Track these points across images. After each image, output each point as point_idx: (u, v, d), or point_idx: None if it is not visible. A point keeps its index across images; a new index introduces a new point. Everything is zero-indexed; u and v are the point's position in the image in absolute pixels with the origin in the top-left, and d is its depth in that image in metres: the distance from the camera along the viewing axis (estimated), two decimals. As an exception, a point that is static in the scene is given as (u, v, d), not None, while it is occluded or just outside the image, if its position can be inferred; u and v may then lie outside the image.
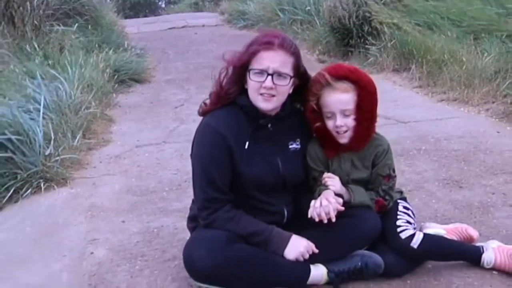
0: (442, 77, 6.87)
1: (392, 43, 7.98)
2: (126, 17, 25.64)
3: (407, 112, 6.06)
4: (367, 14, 8.47)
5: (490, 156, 4.61)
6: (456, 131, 5.27)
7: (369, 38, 8.49)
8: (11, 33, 7.93)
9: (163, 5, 47.42)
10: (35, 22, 8.35)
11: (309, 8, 11.08)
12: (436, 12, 8.11)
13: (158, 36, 13.57)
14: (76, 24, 9.39)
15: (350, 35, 8.83)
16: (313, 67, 8.26)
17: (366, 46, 8.50)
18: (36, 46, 7.78)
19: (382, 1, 8.62)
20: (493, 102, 5.98)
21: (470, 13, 7.72)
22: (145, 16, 39.00)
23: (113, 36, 10.49)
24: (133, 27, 14.87)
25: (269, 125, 2.84)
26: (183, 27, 15.05)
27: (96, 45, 9.19)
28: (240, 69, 2.77)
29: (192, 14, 19.90)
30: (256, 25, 13.41)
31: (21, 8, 8.19)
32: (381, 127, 5.16)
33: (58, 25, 9.00)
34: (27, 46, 7.75)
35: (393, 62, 7.94)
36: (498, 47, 6.69)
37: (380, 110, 5.81)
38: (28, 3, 8.33)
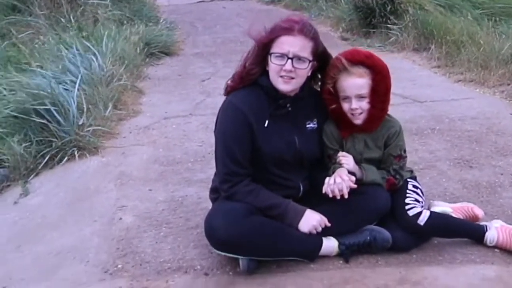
0: (460, 58, 6.84)
1: (413, 23, 8.00)
2: None
3: (424, 91, 6.02)
4: None
5: (501, 137, 4.59)
6: (470, 112, 5.24)
7: (391, 17, 8.48)
8: (47, 5, 7.94)
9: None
10: None
11: None
12: None
13: (187, 9, 13.45)
14: None
15: (372, 14, 8.82)
16: (336, 44, 8.38)
17: (388, 25, 8.48)
18: (71, 18, 7.78)
19: None
20: (509, 85, 5.95)
21: None
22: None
23: (144, 9, 10.48)
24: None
25: (288, 105, 2.89)
26: (212, 0, 14.93)
27: (128, 18, 9.21)
28: (262, 52, 2.81)
29: None
30: (283, 0, 13.36)
31: None
32: (398, 106, 5.25)
33: None
34: (63, 18, 7.74)
35: (414, 42, 7.93)
36: None
37: (398, 89, 5.86)
38: None
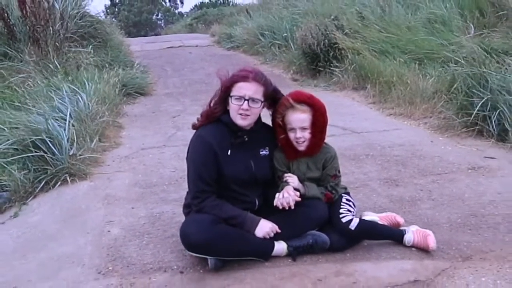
0: (391, 96, 6.95)
1: (352, 66, 8.03)
2: (130, 34, 25.26)
3: (361, 124, 6.15)
4: (332, 42, 8.51)
5: (423, 160, 4.77)
6: (398, 140, 5.39)
7: (334, 61, 8.54)
8: (36, 53, 7.87)
9: (162, 24, 47.16)
10: (56, 43, 8.24)
11: (285, 34, 11.03)
12: (388, 42, 8.10)
13: (158, 54, 13.24)
14: (91, 46, 9.27)
15: (318, 59, 8.86)
16: (288, 84, 8.59)
17: (331, 68, 8.54)
18: (57, 64, 7.70)
19: (345, 32, 8.64)
20: (431, 117, 6.11)
21: (416, 43, 7.75)
22: (146, 33, 38.66)
23: (121, 55, 10.33)
24: (137, 45, 14.54)
25: (245, 137, 3.13)
26: (179, 46, 14.74)
27: (107, 63, 9.08)
28: (224, 94, 3.08)
29: (187, 35, 19.43)
30: (242, 47, 13.31)
31: (44, 31, 8.09)
32: (339, 136, 5.54)
33: (76, 46, 8.94)
34: (50, 64, 7.67)
35: (353, 82, 8.01)
36: (438, 72, 6.74)
37: (339, 122, 6.19)
38: (50, 27, 8.21)
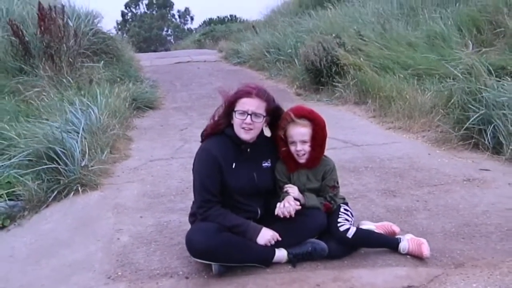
0: (391, 110, 6.98)
1: (354, 82, 8.06)
2: (140, 49, 25.36)
3: (362, 137, 6.15)
4: (335, 59, 8.54)
5: (420, 172, 4.81)
6: (397, 153, 5.42)
7: (336, 77, 8.55)
8: (50, 68, 7.94)
9: (172, 40, 47.44)
10: (70, 59, 8.29)
11: (290, 50, 11.05)
12: (389, 58, 8.14)
13: (167, 69, 13.18)
14: (102, 61, 9.33)
15: (321, 75, 8.87)
16: (292, 99, 8.64)
17: (334, 83, 8.55)
18: (70, 79, 7.76)
19: (347, 49, 8.69)
20: (428, 131, 6.14)
21: (415, 59, 7.79)
22: (156, 48, 38.85)
23: (131, 70, 10.36)
24: (147, 60, 14.49)
25: (248, 150, 3.22)
26: (188, 62, 14.70)
27: (118, 78, 9.12)
28: (228, 109, 3.17)
29: (196, 50, 19.37)
30: (248, 62, 13.30)
31: (58, 48, 8.18)
32: (340, 149, 5.60)
33: (88, 62, 9.00)
34: (63, 79, 7.73)
35: (354, 97, 8.03)
36: (436, 87, 6.77)
37: (340, 135, 6.24)
38: (64, 44, 8.30)
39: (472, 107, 5.51)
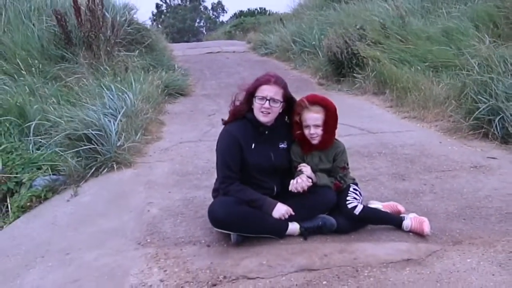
0: (407, 100, 7.02)
1: (373, 73, 8.11)
2: (173, 40, 25.35)
3: (378, 125, 6.21)
4: (355, 51, 8.59)
5: (430, 159, 4.87)
6: (409, 141, 5.46)
7: (356, 68, 8.61)
8: (89, 56, 8.13)
9: (204, 31, 47.53)
10: (107, 48, 8.44)
11: (314, 42, 11.07)
12: (407, 51, 8.17)
13: (198, 59, 13.25)
14: (137, 50, 9.47)
15: (342, 66, 8.94)
16: (314, 88, 8.73)
17: (354, 74, 8.61)
18: (107, 66, 7.93)
19: (367, 42, 8.71)
20: (441, 120, 6.19)
21: (432, 52, 7.81)
22: (189, 39, 38.93)
23: (164, 59, 10.42)
24: (179, 50, 14.39)
25: (266, 132, 3.38)
26: (218, 52, 14.75)
27: (152, 66, 9.23)
28: (249, 95, 3.34)
29: (226, 41, 19.32)
30: (274, 53, 13.32)
31: (97, 37, 8.36)
32: (356, 136, 5.68)
33: (124, 50, 9.12)
34: (101, 66, 7.90)
35: (373, 88, 8.07)
36: (451, 79, 6.80)
37: (357, 123, 6.32)
38: (101, 34, 8.47)
39: (483, 98, 5.56)
